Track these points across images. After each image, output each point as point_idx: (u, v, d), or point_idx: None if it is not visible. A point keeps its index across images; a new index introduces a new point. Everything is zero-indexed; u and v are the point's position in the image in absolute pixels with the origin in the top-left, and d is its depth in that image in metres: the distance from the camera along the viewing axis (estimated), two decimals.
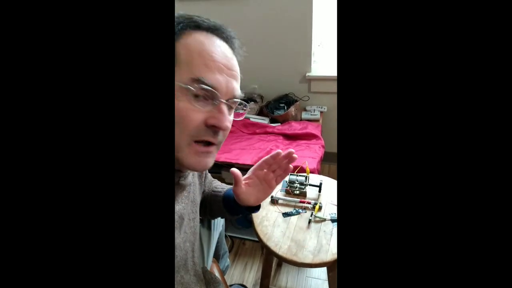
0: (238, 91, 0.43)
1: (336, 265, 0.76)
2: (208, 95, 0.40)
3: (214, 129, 0.41)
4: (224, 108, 0.41)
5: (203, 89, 0.39)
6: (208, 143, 0.42)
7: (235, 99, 0.43)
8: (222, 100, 0.41)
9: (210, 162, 0.44)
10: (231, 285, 1.21)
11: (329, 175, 1.79)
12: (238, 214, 0.67)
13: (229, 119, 0.43)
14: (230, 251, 1.35)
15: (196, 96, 0.39)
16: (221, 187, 0.71)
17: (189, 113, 0.39)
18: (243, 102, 0.46)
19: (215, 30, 0.42)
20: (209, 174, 0.76)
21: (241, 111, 0.49)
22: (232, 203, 0.64)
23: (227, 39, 0.44)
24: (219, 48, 0.41)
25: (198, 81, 0.38)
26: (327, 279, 0.85)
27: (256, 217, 0.84)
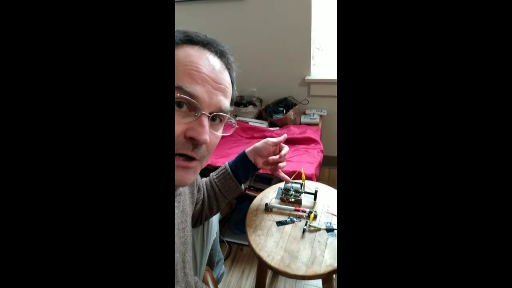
0: (225, 105, 0.43)
1: (331, 277, 0.74)
2: (190, 106, 0.40)
3: (193, 141, 0.40)
4: (205, 120, 0.40)
5: (183, 97, 0.38)
6: (189, 158, 0.41)
7: (221, 113, 0.43)
8: (203, 112, 0.40)
9: (190, 178, 0.43)
10: None
11: (328, 179, 1.77)
12: (249, 177, 0.80)
13: (209, 132, 0.41)
14: (227, 257, 1.33)
15: (178, 106, 0.39)
16: (217, 172, 0.78)
17: None
18: (231, 117, 0.46)
19: (207, 44, 0.43)
20: (200, 180, 0.75)
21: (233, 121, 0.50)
22: (241, 168, 0.77)
23: (219, 54, 0.44)
24: (207, 60, 0.41)
25: (179, 88, 0.38)
26: None
27: (250, 225, 0.82)
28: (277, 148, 0.79)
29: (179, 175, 0.41)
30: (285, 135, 0.79)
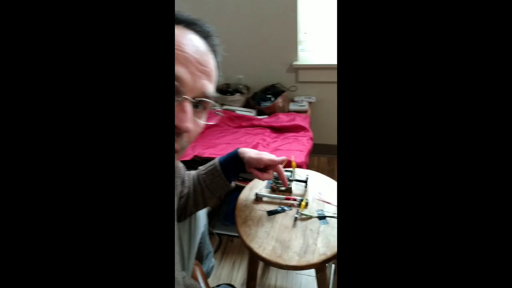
0: (209, 90, 0.39)
1: (324, 266, 0.72)
2: None
3: (175, 130, 0.35)
4: (188, 106, 0.36)
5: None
6: None
7: (206, 99, 0.39)
8: (186, 96, 0.36)
9: None
10: (218, 285, 1.17)
11: (318, 167, 1.75)
12: (238, 176, 0.76)
13: (192, 119, 0.37)
14: (217, 249, 1.30)
15: None
16: (205, 168, 0.74)
17: None
18: (215, 103, 0.42)
19: (192, 24, 0.39)
20: (184, 173, 0.71)
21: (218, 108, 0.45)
22: (231, 167, 0.72)
23: (204, 35, 0.40)
24: (190, 41, 0.38)
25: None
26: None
27: (239, 216, 0.79)
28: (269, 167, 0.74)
29: None
30: (284, 158, 0.75)
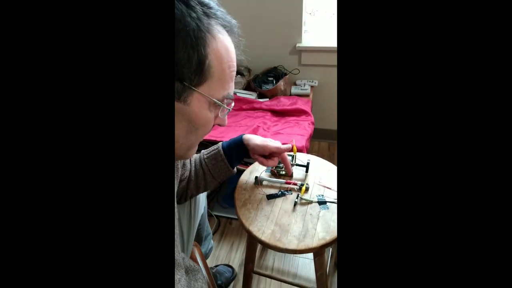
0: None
1: (323, 250, 0.72)
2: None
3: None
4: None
5: (228, 109, 0.43)
6: None
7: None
8: (229, 108, 0.44)
9: None
10: (216, 265, 1.19)
11: (318, 152, 1.74)
12: (241, 161, 0.76)
13: None
14: (216, 231, 1.31)
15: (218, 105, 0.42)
16: (208, 151, 0.74)
17: (211, 122, 0.43)
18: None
19: (231, 30, 0.41)
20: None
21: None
22: (235, 153, 0.72)
23: (235, 38, 0.42)
24: (234, 54, 0.41)
25: (226, 97, 0.41)
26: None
27: (239, 199, 0.78)
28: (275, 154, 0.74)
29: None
30: (289, 146, 0.74)
